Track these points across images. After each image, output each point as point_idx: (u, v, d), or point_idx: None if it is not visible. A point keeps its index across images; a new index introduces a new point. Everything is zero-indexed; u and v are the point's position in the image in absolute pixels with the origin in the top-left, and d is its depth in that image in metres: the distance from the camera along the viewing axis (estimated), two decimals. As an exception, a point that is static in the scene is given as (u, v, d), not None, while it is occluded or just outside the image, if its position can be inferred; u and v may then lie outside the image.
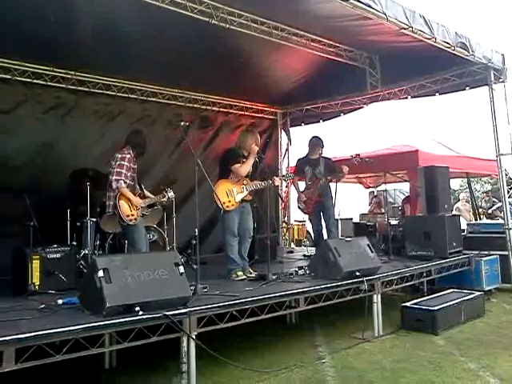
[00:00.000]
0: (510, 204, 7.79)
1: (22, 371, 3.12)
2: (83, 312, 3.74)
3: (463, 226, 8.26)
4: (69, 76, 7.44)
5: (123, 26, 5.97)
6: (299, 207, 7.48)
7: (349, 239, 5.93)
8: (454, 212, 9.67)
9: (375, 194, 12.72)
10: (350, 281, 5.24)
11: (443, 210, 7.47)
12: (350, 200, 11.99)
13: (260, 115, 10.41)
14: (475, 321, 6.02)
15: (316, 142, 7.40)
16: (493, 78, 7.69)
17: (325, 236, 7.25)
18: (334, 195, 7.29)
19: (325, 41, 7.51)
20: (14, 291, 4.91)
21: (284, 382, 4.20)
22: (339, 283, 5.16)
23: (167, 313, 3.68)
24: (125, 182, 5.26)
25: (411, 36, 6.33)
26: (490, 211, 12.15)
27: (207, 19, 6.07)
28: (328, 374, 4.35)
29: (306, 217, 8.44)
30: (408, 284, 6.24)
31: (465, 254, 7.34)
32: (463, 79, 8.04)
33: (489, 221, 10.83)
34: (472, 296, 6.23)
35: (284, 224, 11.05)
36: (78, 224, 6.36)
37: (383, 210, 10.68)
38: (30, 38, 5.97)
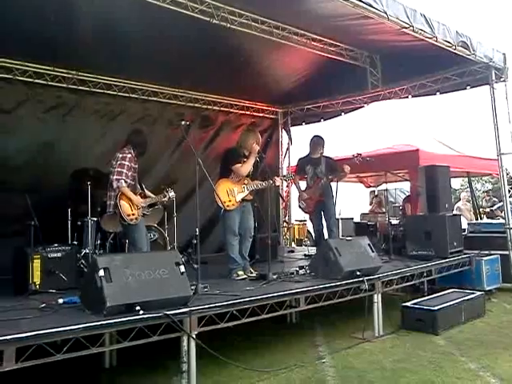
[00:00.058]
0: (510, 203, 7.78)
1: (23, 370, 3.12)
2: (84, 311, 3.74)
3: (464, 225, 8.25)
4: (70, 76, 7.45)
5: (124, 26, 5.97)
6: (300, 206, 7.48)
7: (349, 239, 5.94)
8: (454, 211, 9.65)
9: (376, 193, 12.71)
10: (351, 280, 5.24)
11: (444, 210, 7.46)
12: (351, 199, 11.98)
13: (261, 114, 10.42)
14: (476, 321, 6.02)
15: (317, 141, 7.39)
16: (494, 78, 7.68)
17: (325, 235, 7.24)
18: (334, 195, 7.29)
19: (325, 40, 7.52)
20: (14, 290, 4.92)
21: (284, 381, 4.20)
22: (340, 283, 5.16)
23: (168, 312, 3.68)
24: (125, 182, 5.27)
25: (412, 35, 6.33)
26: (487, 210, 12.14)
27: (208, 19, 6.07)
28: (328, 373, 4.35)
29: (307, 216, 8.44)
30: (408, 284, 6.24)
31: (465, 254, 7.34)
32: (464, 78, 8.04)
33: (489, 220, 10.81)
34: (472, 296, 6.23)
35: (285, 223, 11.05)
36: (79, 223, 6.37)
37: (384, 210, 10.67)
38: (31, 37, 5.98)
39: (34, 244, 4.87)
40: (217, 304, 4.09)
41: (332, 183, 7.25)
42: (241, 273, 5.62)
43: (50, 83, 7.28)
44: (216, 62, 7.47)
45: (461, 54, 6.98)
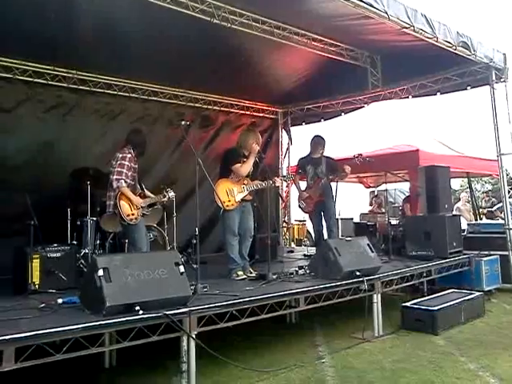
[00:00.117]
0: (510, 204, 7.78)
1: (22, 370, 3.12)
2: (83, 311, 3.74)
3: (463, 226, 8.25)
4: (70, 75, 7.44)
5: (124, 25, 5.97)
6: (300, 206, 7.47)
7: (349, 239, 5.93)
8: (454, 212, 9.65)
9: (376, 193, 12.71)
10: (350, 281, 5.24)
11: (444, 210, 7.46)
12: (351, 200, 11.98)
13: (261, 114, 10.42)
14: (475, 321, 6.01)
15: (318, 141, 7.38)
16: (494, 78, 7.68)
17: (325, 236, 7.24)
18: (334, 195, 7.28)
19: (326, 40, 7.52)
20: (14, 290, 4.92)
21: (284, 381, 4.20)
22: (339, 283, 5.16)
23: (167, 312, 3.68)
24: (125, 182, 5.27)
25: (413, 35, 6.33)
26: (485, 211, 12.15)
27: (208, 18, 6.07)
28: (328, 373, 4.35)
29: (307, 216, 8.44)
30: (408, 284, 6.24)
31: (465, 254, 7.34)
32: (464, 79, 8.04)
33: (489, 221, 10.82)
34: (472, 296, 6.23)
35: (284, 224, 11.05)
36: (79, 223, 6.37)
37: (384, 210, 10.67)
38: (31, 37, 5.98)
39: (33, 244, 4.86)
40: (216, 304, 4.08)
41: (332, 183, 7.25)
42: (240, 273, 5.61)
43: (50, 83, 7.28)
44: (216, 62, 7.47)
45: (461, 54, 6.98)
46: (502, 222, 7.90)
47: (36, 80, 7.14)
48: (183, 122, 5.22)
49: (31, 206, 5.00)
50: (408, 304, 5.82)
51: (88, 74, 7.61)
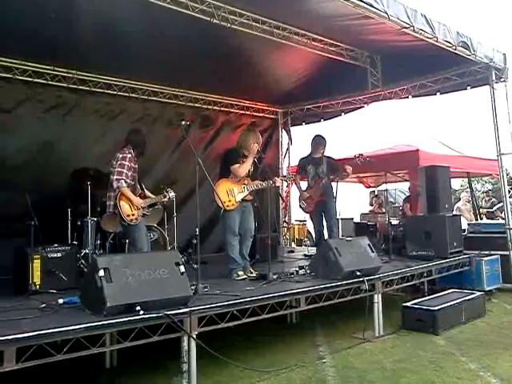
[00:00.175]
0: (510, 204, 7.78)
1: (23, 371, 3.12)
2: (84, 311, 3.73)
3: (464, 225, 8.25)
4: (70, 75, 7.44)
5: (124, 25, 5.97)
6: (301, 206, 7.46)
7: (349, 239, 5.93)
8: (454, 212, 9.65)
9: (376, 193, 12.72)
10: (351, 281, 5.24)
11: (444, 210, 7.46)
12: (351, 199, 11.98)
13: (261, 114, 10.42)
14: (476, 321, 6.01)
15: (319, 141, 7.37)
16: (494, 78, 7.67)
17: (326, 236, 7.23)
18: (335, 195, 7.28)
19: (326, 40, 7.52)
20: (15, 291, 4.91)
21: (285, 381, 4.20)
22: (340, 283, 5.15)
23: (168, 312, 3.68)
24: (125, 182, 5.26)
25: (412, 35, 6.33)
26: (485, 211, 12.15)
27: (208, 18, 6.07)
28: (328, 373, 4.34)
29: (307, 216, 8.44)
30: (409, 284, 6.24)
31: (465, 254, 7.34)
32: (464, 79, 8.03)
33: (489, 221, 10.82)
34: (473, 296, 6.23)
35: (285, 224, 11.05)
36: (79, 223, 6.37)
37: (384, 210, 10.68)
38: (31, 36, 5.97)
39: (34, 244, 4.86)
40: (217, 304, 4.08)
41: (332, 183, 7.25)
42: (241, 273, 5.61)
43: (49, 83, 7.28)
44: (216, 62, 7.47)
45: (461, 54, 6.98)
46: (503, 221, 7.90)
47: (36, 80, 7.14)
48: (183, 122, 5.22)
49: (31, 206, 4.99)
50: (408, 304, 5.82)
51: (88, 73, 7.61)
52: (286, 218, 11.12)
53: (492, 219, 11.24)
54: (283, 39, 7.04)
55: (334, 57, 7.86)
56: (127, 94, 8.18)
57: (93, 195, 6.33)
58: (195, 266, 5.06)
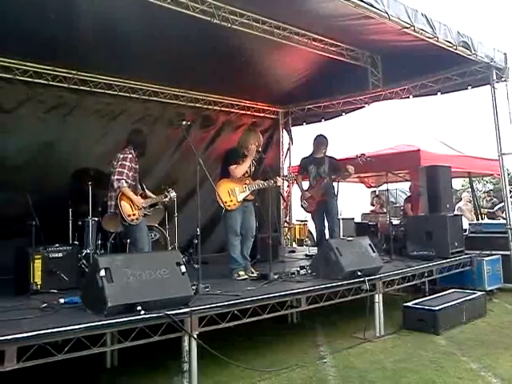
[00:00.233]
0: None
1: (24, 370, 3.12)
2: (85, 311, 3.74)
3: (465, 225, 8.24)
4: (70, 75, 7.45)
5: (124, 25, 5.98)
6: (302, 206, 7.45)
7: (350, 239, 5.93)
8: (455, 212, 9.64)
9: (377, 193, 12.71)
10: (352, 280, 5.23)
11: (445, 210, 7.45)
12: (352, 199, 11.98)
13: (262, 114, 10.42)
14: (477, 321, 6.01)
15: (321, 141, 7.37)
16: (495, 77, 7.67)
17: (327, 235, 7.23)
18: (336, 194, 7.28)
19: (326, 40, 7.51)
20: (16, 290, 4.92)
21: (285, 381, 4.20)
22: (341, 283, 5.15)
23: (169, 312, 3.68)
24: (126, 182, 5.27)
25: (413, 35, 6.32)
26: (486, 211, 12.14)
27: (209, 18, 6.07)
28: (329, 373, 4.34)
29: (308, 216, 8.43)
30: (410, 284, 6.24)
31: (466, 254, 7.33)
32: (465, 78, 8.03)
33: (491, 221, 10.81)
34: (474, 296, 6.22)
35: (286, 223, 11.05)
36: (80, 223, 6.37)
37: (385, 210, 10.67)
38: (31, 37, 5.98)
39: (35, 244, 4.86)
40: (218, 304, 4.08)
41: (334, 183, 7.24)
42: (242, 273, 5.61)
43: (50, 83, 7.28)
44: (217, 62, 7.47)
45: (462, 54, 6.97)
46: (504, 221, 7.90)
47: (36, 80, 7.14)
48: (184, 122, 5.23)
49: (32, 207, 5.00)
50: (409, 304, 5.82)
51: (88, 74, 7.61)
52: (287, 218, 11.12)
53: (493, 219, 11.22)
54: (283, 39, 7.04)
55: (334, 57, 7.86)
56: (128, 95, 8.18)
57: (94, 195, 6.33)
58: (196, 265, 5.07)
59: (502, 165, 7.71)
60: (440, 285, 7.15)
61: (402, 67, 8.08)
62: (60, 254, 5.12)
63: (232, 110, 9.81)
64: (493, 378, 4.15)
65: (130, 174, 5.36)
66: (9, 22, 5.62)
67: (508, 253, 7.48)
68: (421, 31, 6.19)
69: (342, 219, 9.28)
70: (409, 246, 7.28)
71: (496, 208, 11.80)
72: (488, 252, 7.57)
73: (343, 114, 10.06)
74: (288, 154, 10.96)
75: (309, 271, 5.70)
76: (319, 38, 7.41)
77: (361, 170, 7.71)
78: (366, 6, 5.44)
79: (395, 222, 8.71)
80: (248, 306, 4.26)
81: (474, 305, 6.12)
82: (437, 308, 5.56)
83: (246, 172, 5.82)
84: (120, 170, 5.28)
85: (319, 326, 5.89)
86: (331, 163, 7.26)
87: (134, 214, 5.29)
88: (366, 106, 9.71)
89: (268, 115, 10.58)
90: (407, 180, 10.01)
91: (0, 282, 5.26)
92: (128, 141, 5.57)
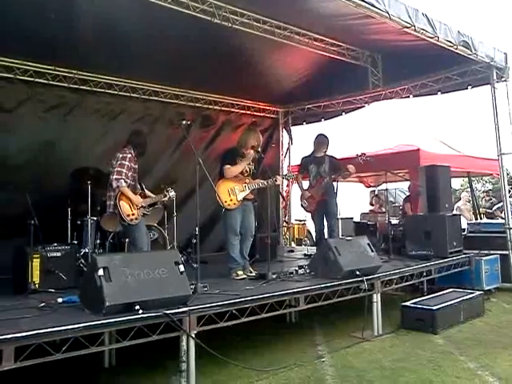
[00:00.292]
0: (510, 203, 7.78)
1: (22, 370, 3.13)
2: (83, 311, 3.74)
3: (464, 225, 8.24)
4: (71, 75, 7.45)
5: (125, 25, 5.98)
6: (302, 205, 7.45)
7: (349, 238, 5.94)
8: (454, 211, 9.64)
9: (376, 193, 12.71)
10: (350, 280, 5.24)
11: (444, 210, 7.46)
12: (351, 199, 11.98)
13: (261, 114, 10.42)
14: (475, 320, 6.02)
15: (322, 140, 7.35)
16: (495, 77, 7.67)
17: (326, 235, 7.23)
18: (336, 194, 7.28)
19: (327, 40, 7.51)
20: (14, 290, 4.93)
21: (283, 380, 4.20)
22: (339, 282, 5.16)
23: (167, 311, 3.69)
24: (125, 182, 5.27)
25: (414, 35, 6.33)
26: (484, 211, 12.14)
27: (209, 18, 6.07)
28: (327, 373, 4.35)
29: (307, 216, 8.43)
30: (408, 283, 6.25)
31: (465, 254, 7.34)
32: (465, 78, 8.03)
33: (489, 220, 10.81)
34: (472, 295, 6.23)
35: (285, 223, 11.05)
36: (79, 223, 6.38)
37: (384, 210, 10.67)
38: (31, 36, 5.98)
39: (33, 243, 4.88)
40: (216, 303, 4.10)
41: (334, 182, 7.24)
42: (240, 272, 5.62)
43: (50, 82, 7.29)
44: (217, 62, 7.47)
45: (462, 53, 6.98)
46: (503, 221, 7.90)
47: (37, 80, 7.15)
48: (184, 122, 5.23)
49: (31, 206, 5.01)
50: (408, 303, 5.83)
51: (89, 73, 7.62)
52: (286, 218, 11.12)
53: (492, 219, 11.22)
54: (284, 39, 7.04)
55: (335, 57, 7.86)
56: (128, 94, 8.18)
57: (93, 195, 6.34)
58: (195, 265, 5.08)
59: (501, 165, 7.72)
60: (438, 284, 7.15)
61: (402, 67, 8.08)
62: (58, 254, 5.13)
63: (232, 110, 9.80)
64: (490, 377, 4.16)
65: (130, 174, 5.37)
66: (9, 21, 5.62)
67: (506, 252, 7.50)
68: (421, 31, 6.19)
69: (341, 219, 9.28)
70: (407, 246, 7.29)
71: (495, 208, 11.80)
72: (486, 252, 7.57)
73: (343, 113, 10.06)
74: (288, 154, 10.96)
75: (307, 271, 5.71)
76: (320, 37, 7.40)
77: (360, 169, 7.72)
78: (367, 5, 5.45)
79: (394, 221, 8.71)
80: (246, 306, 4.27)
81: (472, 304, 6.13)
82: (435, 307, 5.57)
83: (246, 171, 5.82)
84: (119, 169, 5.28)
85: (317, 326, 5.89)
86: (332, 162, 7.26)
87: (133, 214, 5.30)
88: (365, 105, 9.71)
89: (268, 115, 10.58)
90: (406, 180, 10.02)
91: (-1, 282, 5.28)
92: (128, 141, 5.58)
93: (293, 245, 11.18)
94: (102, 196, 6.00)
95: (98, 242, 6.38)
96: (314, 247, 7.81)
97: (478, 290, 6.65)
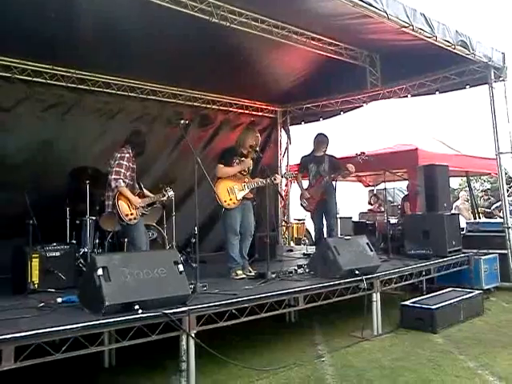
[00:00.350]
0: (509, 203, 7.79)
1: (21, 370, 3.12)
2: (82, 310, 3.73)
3: (462, 224, 8.25)
4: (69, 74, 7.44)
5: (123, 24, 5.97)
6: (302, 205, 7.43)
7: (348, 238, 5.94)
8: (453, 211, 9.66)
9: (375, 192, 12.71)
10: (350, 279, 5.24)
11: (442, 209, 7.47)
12: (350, 198, 11.99)
13: (260, 114, 10.42)
14: (474, 319, 6.02)
15: (321, 139, 7.34)
16: (493, 77, 7.69)
17: (325, 234, 7.22)
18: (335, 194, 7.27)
19: (325, 39, 7.52)
20: (13, 290, 4.91)
21: (283, 380, 4.20)
22: (338, 282, 5.16)
23: (166, 311, 3.69)
24: (124, 182, 5.25)
25: (412, 34, 6.34)
26: (483, 210, 12.15)
27: (208, 17, 6.07)
28: (327, 372, 4.35)
29: (307, 215, 8.42)
30: (407, 283, 6.24)
31: (464, 253, 7.35)
32: (463, 78, 8.04)
33: (488, 219, 10.82)
34: (471, 295, 6.23)
35: (283, 222, 11.05)
36: (78, 222, 6.37)
37: (383, 209, 10.68)
38: (30, 36, 5.97)
39: (32, 243, 4.86)
40: (216, 303, 4.09)
41: (333, 182, 7.24)
42: (239, 272, 5.61)
43: (49, 82, 7.27)
44: (215, 61, 7.47)
45: (460, 53, 6.99)
46: (501, 220, 7.91)
47: (35, 79, 7.13)
48: (182, 121, 5.21)
49: (30, 206, 4.99)
50: (407, 303, 5.83)
51: (87, 73, 7.60)
52: (285, 217, 11.12)
53: (490, 218, 11.24)
54: (282, 38, 7.04)
55: (333, 56, 7.86)
56: (126, 93, 8.18)
57: (91, 194, 6.33)
58: (194, 265, 5.07)
59: (499, 164, 7.73)
60: (437, 283, 7.16)
61: (400, 66, 8.08)
62: (57, 253, 5.11)
63: (230, 109, 9.80)
64: (490, 376, 4.16)
65: (128, 174, 5.35)
66: (9, 21, 5.61)
67: (505, 251, 7.51)
68: (419, 30, 6.20)
69: (340, 218, 9.29)
70: (406, 245, 7.30)
71: (493, 207, 11.81)
72: (485, 251, 7.57)
73: (341, 113, 10.07)
74: (286, 153, 10.95)
75: (306, 270, 5.71)
76: (318, 37, 7.41)
77: (359, 168, 7.73)
78: (364, 5, 5.45)
79: (393, 220, 8.72)
80: (246, 305, 4.27)
81: (471, 303, 6.13)
82: (434, 307, 5.57)
83: (245, 170, 5.82)
84: (117, 169, 5.26)
85: (317, 325, 5.89)
86: (331, 162, 7.25)
87: (131, 214, 5.28)
88: (364, 105, 9.71)
89: (266, 114, 10.58)
90: (405, 179, 10.02)
91: (-2, 281, 5.26)
92: (126, 140, 5.56)
93: (292, 244, 11.17)
94: (101, 196, 5.96)
95: (97, 241, 6.36)
96: (313, 246, 7.80)
97: (478, 289, 6.65)
